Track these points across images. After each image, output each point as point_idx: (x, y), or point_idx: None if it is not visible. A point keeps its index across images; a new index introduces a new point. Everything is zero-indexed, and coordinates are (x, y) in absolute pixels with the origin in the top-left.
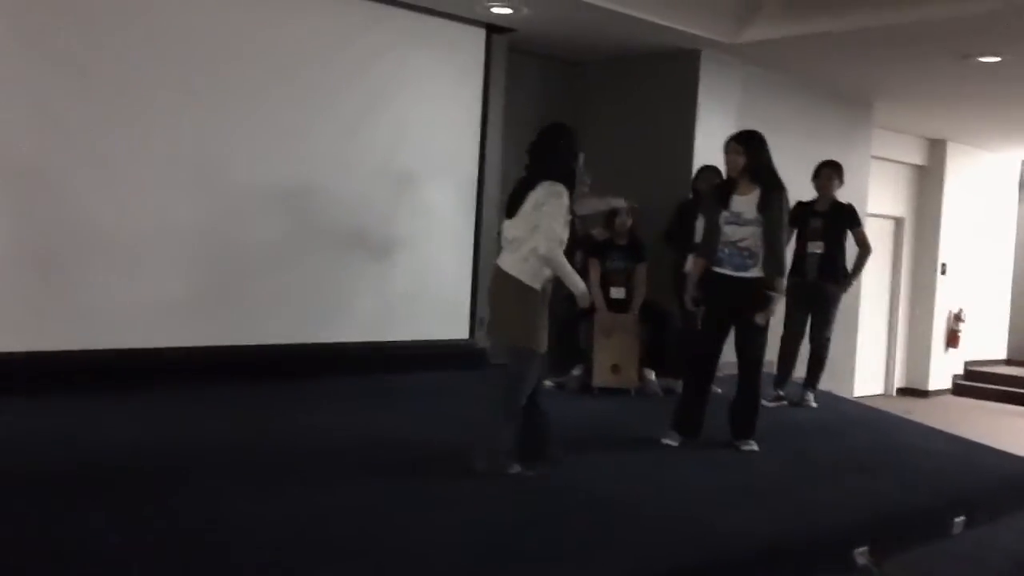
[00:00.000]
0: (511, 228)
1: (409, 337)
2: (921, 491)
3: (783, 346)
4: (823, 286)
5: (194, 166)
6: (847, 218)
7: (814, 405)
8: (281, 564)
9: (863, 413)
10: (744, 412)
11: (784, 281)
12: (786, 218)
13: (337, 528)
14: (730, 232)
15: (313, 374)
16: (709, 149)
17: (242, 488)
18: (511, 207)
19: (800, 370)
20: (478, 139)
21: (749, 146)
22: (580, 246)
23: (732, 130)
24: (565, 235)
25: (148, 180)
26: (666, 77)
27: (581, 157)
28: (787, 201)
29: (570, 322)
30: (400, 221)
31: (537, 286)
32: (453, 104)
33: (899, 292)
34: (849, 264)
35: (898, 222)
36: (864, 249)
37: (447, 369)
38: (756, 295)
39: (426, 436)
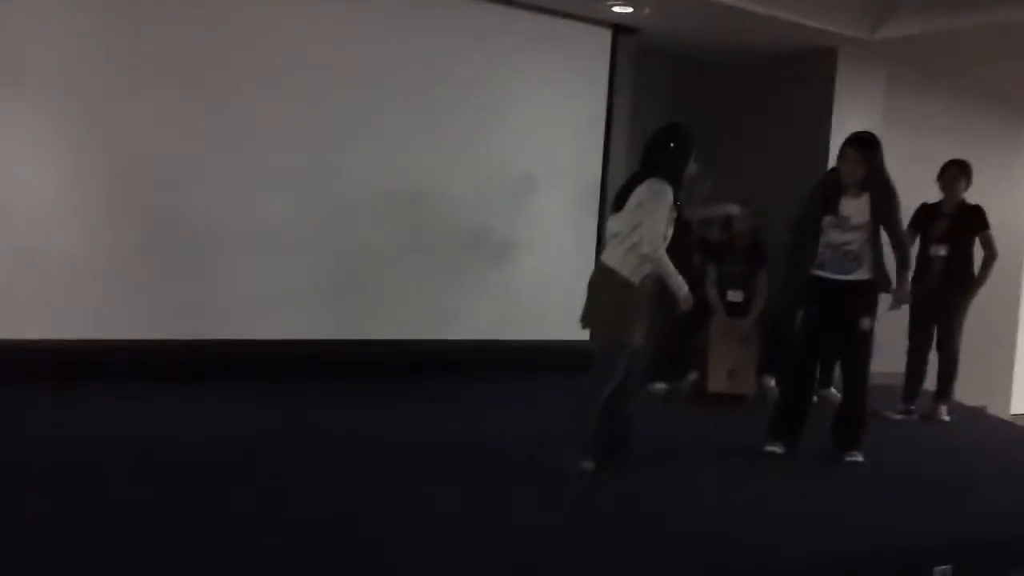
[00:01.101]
0: (615, 223)
1: (530, 337)
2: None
3: (910, 357)
4: (947, 293)
5: (318, 170)
6: (974, 220)
7: (946, 419)
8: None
9: (1000, 431)
10: (849, 422)
11: (909, 274)
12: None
13: (368, 523)
14: (834, 236)
15: (432, 371)
16: None
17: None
18: (618, 202)
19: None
20: (602, 141)
21: (869, 155)
22: (698, 249)
23: (876, 131)
24: (668, 233)
25: (272, 183)
26: (800, 77)
27: (693, 159)
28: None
29: (687, 327)
30: (522, 223)
31: (635, 280)
32: (577, 105)
33: None
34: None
35: None
36: (990, 253)
37: (568, 370)
38: (864, 297)
39: (524, 434)
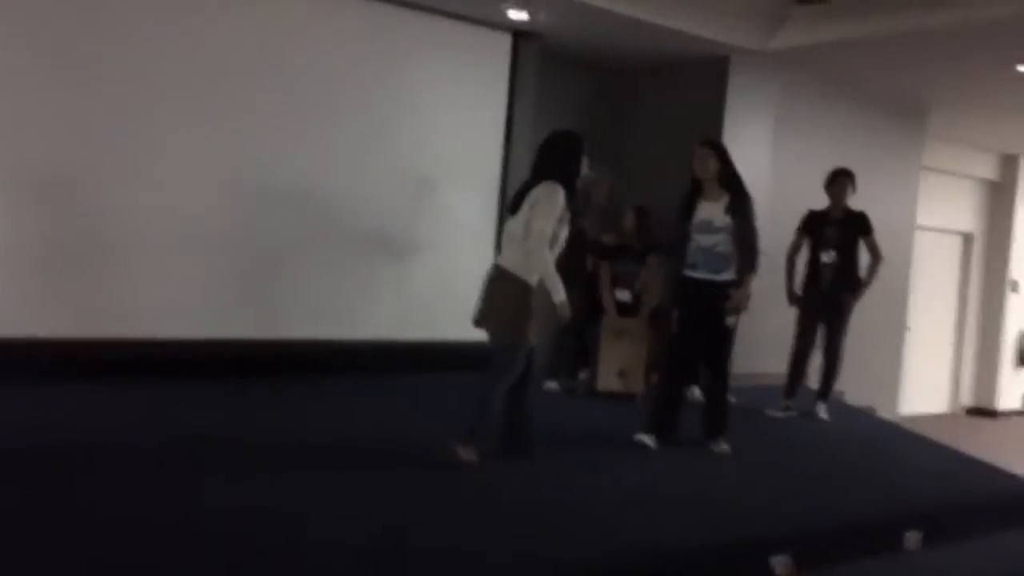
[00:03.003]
0: (511, 225)
1: (428, 337)
2: (880, 505)
3: (794, 356)
4: (837, 296)
5: (217, 169)
6: (860, 226)
7: (825, 417)
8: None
9: (875, 428)
10: (713, 412)
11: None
12: (756, 224)
13: (245, 520)
14: (703, 239)
15: (331, 370)
16: (740, 158)
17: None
18: (513, 206)
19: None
20: (502, 144)
21: (720, 150)
22: (591, 250)
23: (767, 139)
24: (562, 236)
25: (173, 183)
26: (694, 85)
27: (585, 162)
28: (754, 208)
29: (580, 326)
30: (421, 224)
31: (532, 282)
32: (477, 108)
33: (967, 308)
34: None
35: (967, 237)
36: (876, 257)
37: (464, 369)
38: (728, 296)
39: (415, 429)
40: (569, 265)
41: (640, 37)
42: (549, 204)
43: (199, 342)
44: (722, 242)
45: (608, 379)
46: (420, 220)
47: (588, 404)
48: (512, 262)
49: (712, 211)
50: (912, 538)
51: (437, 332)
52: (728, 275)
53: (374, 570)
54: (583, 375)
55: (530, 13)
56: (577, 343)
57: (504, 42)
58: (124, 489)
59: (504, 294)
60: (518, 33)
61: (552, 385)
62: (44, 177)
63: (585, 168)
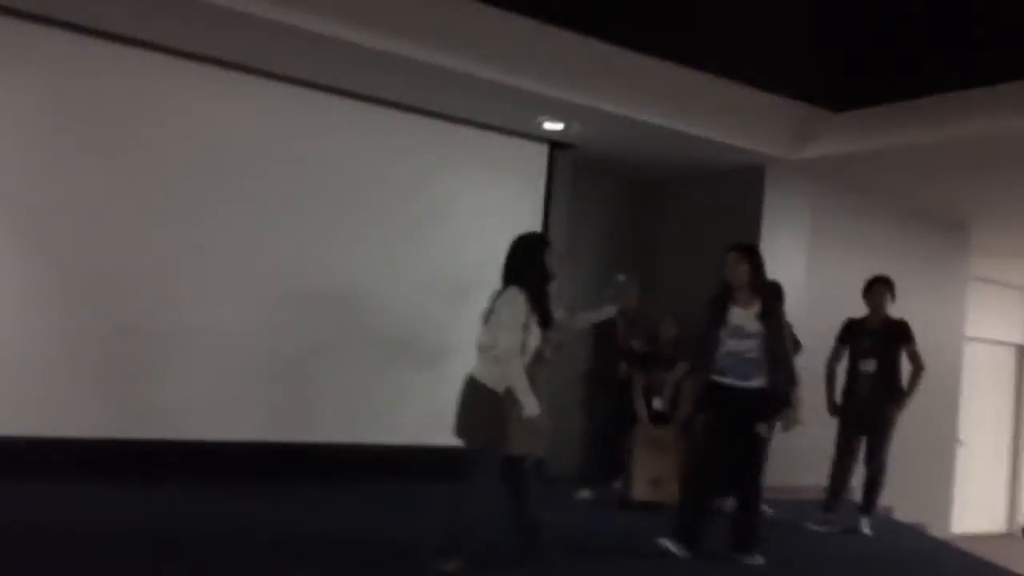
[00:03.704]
0: (482, 336)
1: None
2: None
3: (834, 468)
4: (878, 407)
5: (250, 269)
6: (900, 335)
7: (867, 532)
8: None
9: (921, 545)
10: (743, 525)
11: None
12: (787, 332)
13: None
14: (733, 345)
15: (363, 474)
16: (776, 267)
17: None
18: (486, 315)
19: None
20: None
21: (751, 256)
22: (623, 357)
23: (803, 247)
24: (532, 343)
25: (203, 281)
26: (729, 194)
27: (550, 261)
28: (785, 315)
29: (611, 434)
30: (454, 330)
31: (500, 390)
32: (513, 217)
33: (1023, 422)
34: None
35: (1020, 349)
36: (918, 367)
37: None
38: (762, 404)
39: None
40: (600, 372)
41: (672, 146)
42: (510, 314)
43: (231, 444)
44: (753, 348)
45: (641, 488)
46: (453, 325)
47: (620, 514)
48: (483, 373)
49: (744, 317)
50: None
51: None
52: (757, 382)
53: None
54: (616, 484)
55: (565, 123)
56: (610, 451)
57: (540, 152)
58: None
59: (475, 403)
60: (553, 143)
61: (585, 494)
62: (82, 279)
63: (621, 276)
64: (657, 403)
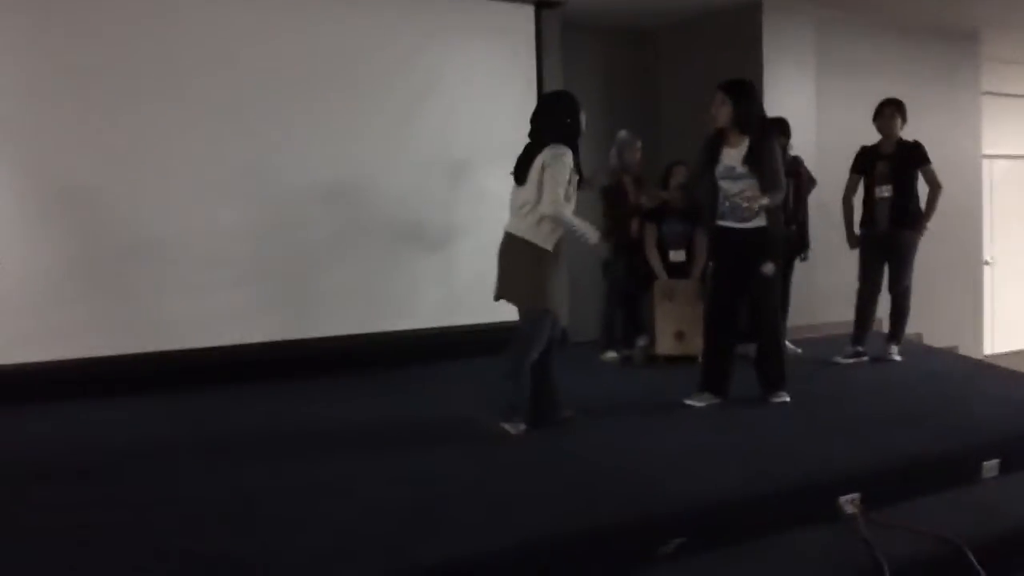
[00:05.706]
0: (522, 193)
1: (478, 321)
2: (956, 437)
3: (859, 299)
4: (897, 233)
5: (245, 170)
6: (915, 157)
7: (898, 359)
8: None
9: (952, 365)
10: (767, 364)
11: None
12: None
13: (306, 497)
14: (728, 186)
15: (379, 362)
16: (783, 105)
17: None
18: (519, 174)
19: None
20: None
21: (735, 95)
22: (634, 214)
23: (810, 82)
24: (573, 195)
25: (199, 187)
26: (728, 35)
27: (583, 118)
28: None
29: (632, 293)
30: (458, 209)
31: (550, 248)
32: (505, 85)
33: None
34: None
35: None
36: (935, 187)
37: None
38: (764, 244)
39: (467, 409)
40: (613, 233)
41: None
42: (560, 170)
43: (246, 346)
44: (747, 188)
45: (666, 342)
46: (456, 206)
47: (647, 371)
48: (524, 228)
49: (733, 157)
50: (990, 467)
51: (486, 315)
52: (758, 222)
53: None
54: (641, 342)
55: None
56: (629, 310)
57: (526, 14)
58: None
59: (523, 263)
60: (539, 3)
61: (611, 355)
62: (72, 194)
63: (623, 132)
64: (677, 255)
